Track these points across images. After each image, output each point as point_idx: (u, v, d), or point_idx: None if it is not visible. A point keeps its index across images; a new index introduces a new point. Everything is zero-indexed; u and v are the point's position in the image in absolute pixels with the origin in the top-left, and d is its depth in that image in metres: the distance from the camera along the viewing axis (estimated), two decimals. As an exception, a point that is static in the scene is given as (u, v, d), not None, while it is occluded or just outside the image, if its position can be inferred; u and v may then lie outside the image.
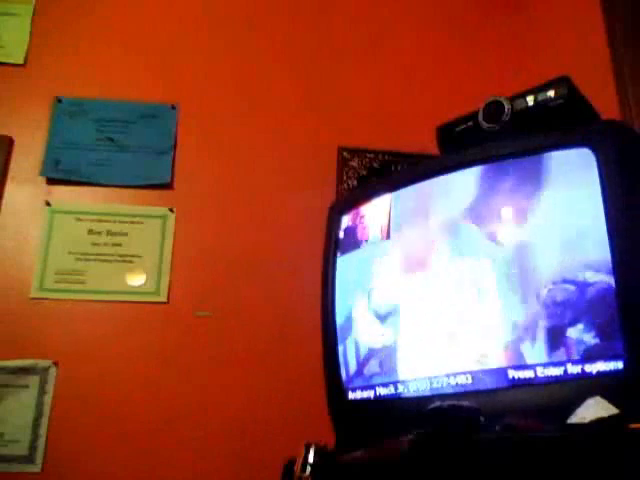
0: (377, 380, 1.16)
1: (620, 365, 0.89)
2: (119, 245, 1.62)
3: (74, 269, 1.59)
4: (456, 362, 1.06)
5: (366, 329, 1.21)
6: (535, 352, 0.98)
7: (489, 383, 1.01)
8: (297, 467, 1.02)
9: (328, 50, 1.87)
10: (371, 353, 1.20)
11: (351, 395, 1.20)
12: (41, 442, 1.44)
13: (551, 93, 1.10)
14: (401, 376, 1.12)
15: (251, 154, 1.74)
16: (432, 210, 1.17)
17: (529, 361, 0.98)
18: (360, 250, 1.27)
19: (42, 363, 1.50)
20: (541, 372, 0.96)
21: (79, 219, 1.63)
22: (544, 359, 0.96)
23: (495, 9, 1.96)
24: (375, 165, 1.73)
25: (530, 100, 1.12)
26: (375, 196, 1.28)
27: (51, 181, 1.65)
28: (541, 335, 0.98)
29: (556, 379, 0.94)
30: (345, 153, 1.75)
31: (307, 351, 1.40)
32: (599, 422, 0.82)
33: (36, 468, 1.42)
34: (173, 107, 1.75)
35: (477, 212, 1.11)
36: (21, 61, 1.74)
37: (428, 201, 1.19)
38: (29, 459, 1.43)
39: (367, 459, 1.01)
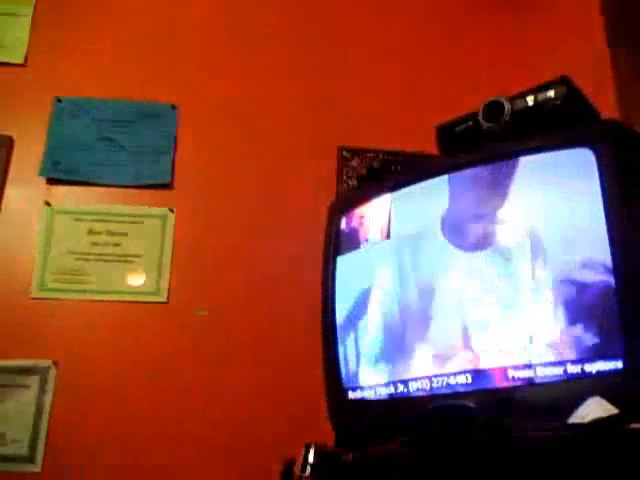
0: (377, 380, 1.16)
1: (620, 365, 0.89)
2: (119, 245, 1.63)
3: (74, 269, 1.59)
4: (456, 362, 1.06)
5: (366, 329, 1.21)
6: (535, 352, 0.98)
7: (489, 383, 1.01)
8: (297, 467, 1.02)
9: (328, 50, 1.87)
10: (371, 353, 1.20)
11: (351, 395, 1.20)
12: (41, 442, 1.44)
13: (551, 93, 1.10)
14: (401, 376, 1.12)
15: (251, 154, 1.74)
16: (432, 210, 1.17)
17: (529, 361, 0.98)
18: (360, 250, 1.27)
19: (42, 363, 1.50)
20: (541, 372, 0.96)
21: (79, 219, 1.63)
22: (544, 359, 0.96)
23: (495, 9, 1.96)
24: (375, 165, 1.73)
25: (530, 100, 1.12)
26: (375, 196, 1.28)
27: (51, 181, 1.66)
28: (541, 335, 0.98)
29: (556, 379, 0.94)
30: (345, 153, 1.75)
31: (307, 351, 1.40)
32: (599, 422, 0.82)
33: (36, 468, 1.43)
34: (173, 107, 1.75)
35: (477, 212, 1.11)
36: (21, 61, 1.74)
37: (428, 201, 1.19)
38: (29, 459, 1.43)
39: (367, 459, 1.01)
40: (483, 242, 1.10)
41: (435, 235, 1.15)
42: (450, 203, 1.16)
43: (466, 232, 1.12)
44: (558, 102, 1.09)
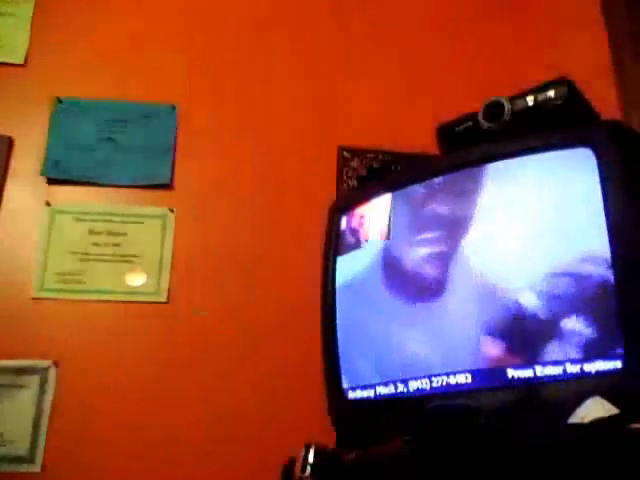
0: (377, 379, 1.16)
1: (619, 364, 0.89)
2: (119, 245, 1.62)
3: (74, 269, 1.59)
4: (456, 361, 1.06)
5: (366, 329, 1.22)
6: (534, 351, 0.98)
7: (489, 382, 1.01)
8: (297, 467, 1.02)
9: (328, 50, 1.87)
10: (371, 352, 1.20)
11: (351, 395, 1.21)
12: (41, 442, 1.44)
13: (551, 93, 1.10)
14: (401, 375, 1.13)
15: (251, 154, 1.74)
16: (432, 209, 1.18)
17: (528, 360, 0.98)
18: (360, 250, 1.27)
19: (42, 363, 1.50)
20: (540, 371, 0.96)
21: (79, 219, 1.63)
22: (543, 358, 0.97)
23: (495, 9, 1.96)
24: (375, 165, 1.73)
25: (530, 100, 1.12)
26: (375, 196, 1.28)
27: (51, 181, 1.65)
28: (540, 333, 0.98)
29: (555, 378, 0.94)
30: (345, 153, 1.75)
31: (307, 351, 1.40)
32: (599, 422, 0.82)
33: (36, 468, 1.42)
34: (173, 107, 1.75)
35: (476, 211, 1.11)
36: (21, 61, 1.73)
37: (428, 201, 1.19)
38: (29, 459, 1.43)
39: (367, 459, 1.01)
40: (483, 239, 1.10)
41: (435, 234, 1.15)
42: (449, 201, 1.16)
43: (464, 230, 1.12)
44: (558, 102, 1.09)
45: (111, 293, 1.58)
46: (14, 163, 1.65)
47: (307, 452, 1.02)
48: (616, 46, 1.53)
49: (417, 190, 1.21)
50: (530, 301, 1.00)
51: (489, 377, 1.01)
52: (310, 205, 1.64)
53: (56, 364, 1.50)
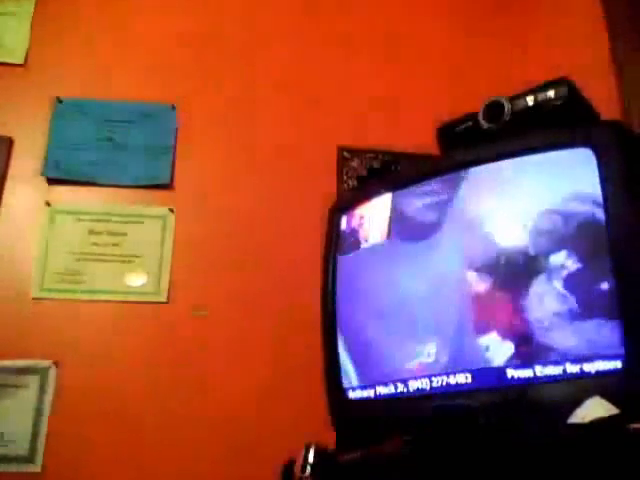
0: (377, 379, 1.16)
1: (619, 365, 0.89)
2: (119, 245, 1.62)
3: (74, 269, 1.59)
4: (456, 361, 1.06)
5: (366, 328, 1.21)
6: (534, 351, 0.98)
7: (489, 382, 1.01)
8: (297, 467, 1.02)
9: (328, 50, 1.87)
10: (371, 352, 1.20)
11: (351, 394, 1.20)
12: (41, 442, 1.44)
13: (551, 93, 1.10)
14: (401, 375, 1.12)
15: (251, 154, 1.74)
16: (432, 210, 1.18)
17: (528, 360, 0.98)
18: (360, 250, 1.27)
19: (42, 363, 1.50)
20: (540, 371, 0.96)
21: (79, 219, 1.63)
22: (543, 358, 0.97)
23: (495, 9, 1.96)
24: (375, 165, 1.73)
25: (530, 100, 1.12)
26: (375, 196, 1.28)
27: (51, 181, 1.66)
28: (540, 334, 0.98)
29: (555, 378, 0.94)
30: (345, 153, 1.76)
31: (307, 351, 1.40)
32: (599, 422, 0.82)
33: (36, 468, 1.42)
34: (173, 107, 1.75)
35: (477, 212, 1.11)
36: (21, 61, 1.74)
37: (428, 201, 1.19)
38: (29, 459, 1.43)
39: (367, 459, 1.01)
40: (484, 245, 1.10)
41: (436, 235, 1.15)
42: (448, 201, 1.16)
43: (466, 235, 1.12)
44: (558, 102, 1.09)
45: (111, 293, 1.58)
46: (14, 163, 1.65)
47: (307, 452, 1.02)
48: (616, 46, 1.53)
49: (417, 190, 1.21)
50: (531, 301, 1.00)
51: (489, 377, 1.01)
52: (310, 205, 1.64)
53: (56, 364, 1.50)
